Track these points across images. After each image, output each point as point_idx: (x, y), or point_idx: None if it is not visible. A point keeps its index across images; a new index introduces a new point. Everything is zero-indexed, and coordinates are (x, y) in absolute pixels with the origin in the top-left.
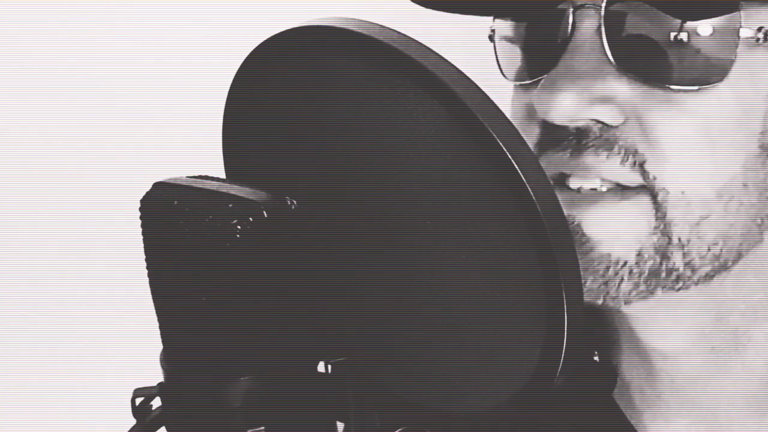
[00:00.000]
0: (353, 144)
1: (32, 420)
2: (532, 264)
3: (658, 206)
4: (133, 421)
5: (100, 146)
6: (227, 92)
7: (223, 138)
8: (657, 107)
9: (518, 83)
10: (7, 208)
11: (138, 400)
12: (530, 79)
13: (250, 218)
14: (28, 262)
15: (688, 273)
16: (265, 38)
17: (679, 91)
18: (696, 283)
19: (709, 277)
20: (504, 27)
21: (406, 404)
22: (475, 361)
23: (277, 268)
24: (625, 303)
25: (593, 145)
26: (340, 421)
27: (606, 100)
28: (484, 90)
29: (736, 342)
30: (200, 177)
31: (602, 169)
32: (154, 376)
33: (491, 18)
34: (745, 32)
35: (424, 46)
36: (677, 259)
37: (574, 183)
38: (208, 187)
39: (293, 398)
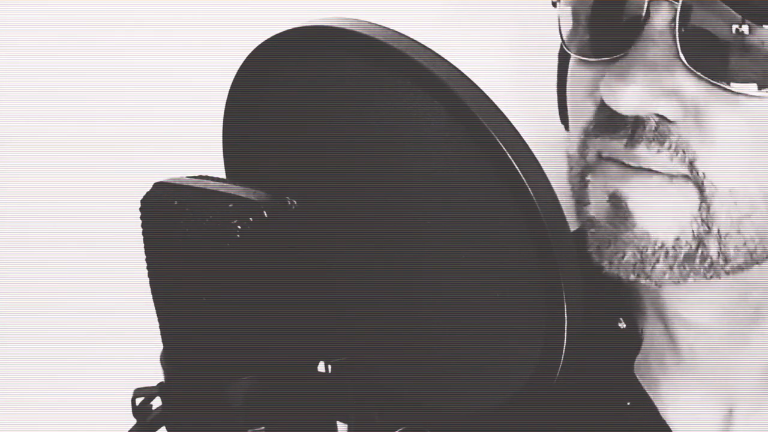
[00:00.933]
0: (353, 144)
1: (32, 420)
2: (532, 264)
3: (704, 198)
4: (133, 421)
5: (100, 146)
6: (227, 92)
7: (223, 138)
8: (718, 107)
9: (581, 58)
10: (6, 208)
11: (138, 400)
12: (594, 58)
13: (250, 218)
14: (27, 262)
15: (721, 262)
16: (265, 38)
17: (743, 93)
18: (727, 273)
19: (739, 268)
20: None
21: (406, 404)
22: (475, 360)
23: (277, 268)
24: (656, 285)
25: (647, 138)
26: (341, 421)
27: (671, 94)
28: (484, 90)
29: (756, 315)
30: (200, 177)
31: (652, 162)
32: (154, 376)
33: None
34: None
35: (424, 46)
36: (712, 248)
37: None
38: (208, 187)
39: (293, 398)
